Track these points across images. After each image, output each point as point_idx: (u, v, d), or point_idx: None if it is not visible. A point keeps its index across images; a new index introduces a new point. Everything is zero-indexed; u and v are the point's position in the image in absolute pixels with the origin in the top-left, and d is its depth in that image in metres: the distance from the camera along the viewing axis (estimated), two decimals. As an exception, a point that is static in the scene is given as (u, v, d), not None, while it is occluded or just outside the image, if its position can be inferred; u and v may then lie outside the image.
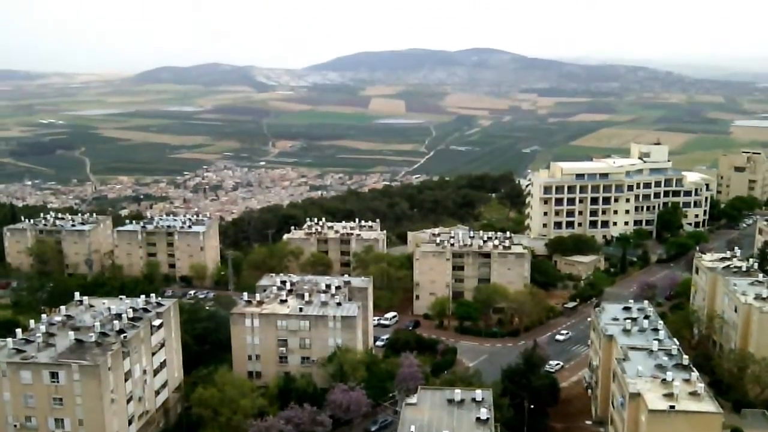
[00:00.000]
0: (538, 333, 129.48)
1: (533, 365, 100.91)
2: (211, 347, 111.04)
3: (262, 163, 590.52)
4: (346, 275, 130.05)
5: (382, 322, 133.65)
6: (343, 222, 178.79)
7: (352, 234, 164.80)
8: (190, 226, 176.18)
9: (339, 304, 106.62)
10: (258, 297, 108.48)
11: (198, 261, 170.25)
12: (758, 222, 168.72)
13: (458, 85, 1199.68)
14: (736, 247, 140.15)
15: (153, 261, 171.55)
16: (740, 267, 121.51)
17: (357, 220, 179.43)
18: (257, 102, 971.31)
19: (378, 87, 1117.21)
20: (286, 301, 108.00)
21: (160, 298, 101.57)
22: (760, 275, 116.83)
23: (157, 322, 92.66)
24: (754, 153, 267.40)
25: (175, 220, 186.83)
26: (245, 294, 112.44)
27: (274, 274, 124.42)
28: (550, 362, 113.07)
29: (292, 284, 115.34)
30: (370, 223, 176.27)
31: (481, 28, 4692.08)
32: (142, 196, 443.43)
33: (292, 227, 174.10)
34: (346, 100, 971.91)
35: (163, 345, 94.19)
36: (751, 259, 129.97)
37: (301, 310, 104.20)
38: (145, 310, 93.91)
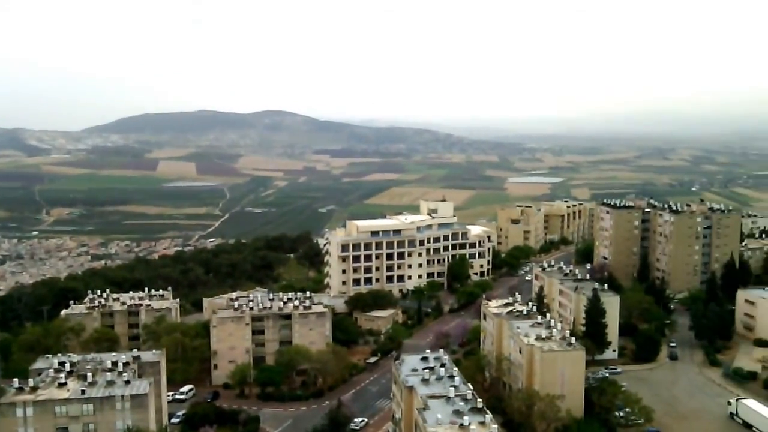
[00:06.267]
0: (343, 391, 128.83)
1: (338, 425, 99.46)
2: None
3: (35, 233, 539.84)
4: (136, 350, 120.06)
5: (177, 396, 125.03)
6: (131, 292, 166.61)
7: (141, 305, 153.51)
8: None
9: (128, 382, 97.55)
10: (32, 382, 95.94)
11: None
12: (533, 269, 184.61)
13: (251, 147, 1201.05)
14: (516, 293, 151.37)
15: None
16: (521, 311, 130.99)
17: (146, 289, 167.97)
18: (28, 167, 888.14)
19: (166, 149, 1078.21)
20: (65, 384, 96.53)
21: None
22: (539, 317, 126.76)
23: None
24: (526, 206, 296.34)
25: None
26: (15, 380, 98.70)
27: (50, 356, 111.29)
28: (355, 420, 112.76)
29: (72, 365, 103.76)
30: (161, 291, 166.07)
31: (272, 90, 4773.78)
32: None
33: (72, 302, 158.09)
34: (131, 163, 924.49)
35: None
36: (530, 303, 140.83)
37: (83, 392, 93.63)
38: None
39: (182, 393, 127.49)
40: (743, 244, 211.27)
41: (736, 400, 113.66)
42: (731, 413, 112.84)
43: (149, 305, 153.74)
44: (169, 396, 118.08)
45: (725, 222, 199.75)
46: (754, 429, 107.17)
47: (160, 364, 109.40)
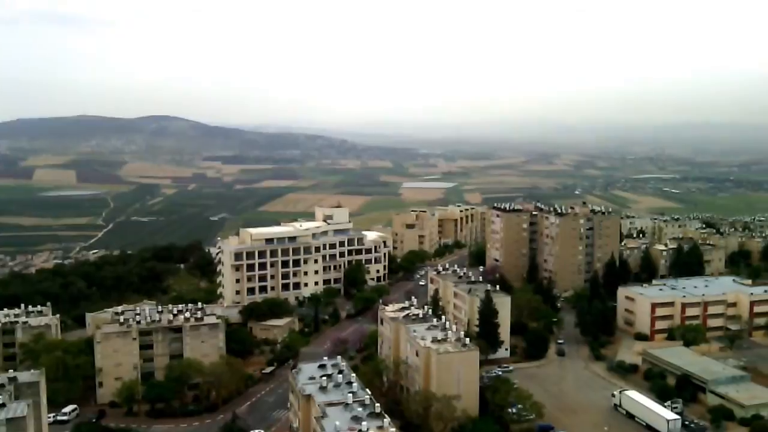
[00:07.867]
0: (238, 403, 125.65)
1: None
2: None
3: None
4: (12, 370, 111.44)
5: (59, 418, 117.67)
6: (6, 309, 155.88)
7: (17, 322, 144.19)
8: None
9: (3, 405, 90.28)
10: None
11: None
12: (428, 272, 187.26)
13: (137, 154, 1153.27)
14: (413, 297, 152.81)
15: None
16: (418, 314, 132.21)
17: (23, 305, 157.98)
18: None
19: (43, 156, 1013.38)
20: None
21: None
22: (435, 320, 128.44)
23: None
24: (421, 211, 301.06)
25: None
26: None
27: None
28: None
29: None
30: (39, 307, 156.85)
31: (158, 95, 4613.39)
32: None
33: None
34: (4, 172, 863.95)
35: None
36: (426, 306, 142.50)
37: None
38: None
39: (65, 414, 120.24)
40: (623, 243, 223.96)
41: (620, 392, 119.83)
42: (615, 405, 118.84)
43: (26, 322, 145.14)
44: (50, 417, 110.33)
45: (606, 223, 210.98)
46: (636, 419, 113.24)
47: (39, 385, 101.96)
